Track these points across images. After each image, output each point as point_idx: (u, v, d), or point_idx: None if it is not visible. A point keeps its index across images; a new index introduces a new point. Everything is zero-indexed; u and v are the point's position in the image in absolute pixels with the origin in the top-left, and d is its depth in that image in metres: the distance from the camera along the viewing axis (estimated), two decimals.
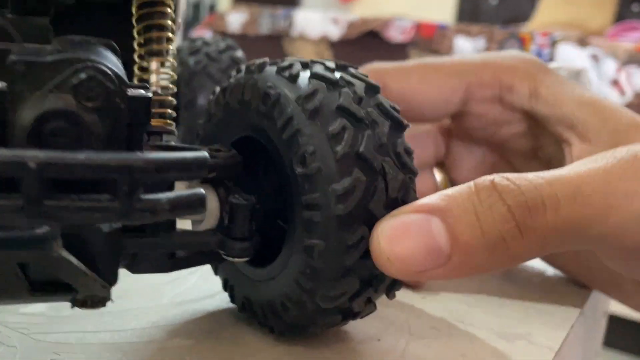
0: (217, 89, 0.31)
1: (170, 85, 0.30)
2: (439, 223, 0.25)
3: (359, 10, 3.37)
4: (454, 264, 0.25)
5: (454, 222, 0.25)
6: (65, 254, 0.20)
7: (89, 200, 0.19)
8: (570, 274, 0.41)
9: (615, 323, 1.15)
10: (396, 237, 0.25)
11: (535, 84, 0.37)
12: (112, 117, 0.21)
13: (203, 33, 2.35)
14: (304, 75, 0.27)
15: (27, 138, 0.20)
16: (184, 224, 0.27)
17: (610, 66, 1.67)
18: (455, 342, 0.31)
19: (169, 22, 0.30)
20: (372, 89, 0.28)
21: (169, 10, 0.30)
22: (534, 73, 0.37)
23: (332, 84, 0.27)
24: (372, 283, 0.27)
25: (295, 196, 0.26)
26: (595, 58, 1.69)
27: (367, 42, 2.16)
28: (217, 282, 0.35)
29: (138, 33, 0.30)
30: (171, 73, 0.31)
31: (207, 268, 0.33)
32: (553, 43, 1.78)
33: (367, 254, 0.26)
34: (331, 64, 0.28)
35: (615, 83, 1.66)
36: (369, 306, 0.28)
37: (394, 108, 0.28)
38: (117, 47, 0.25)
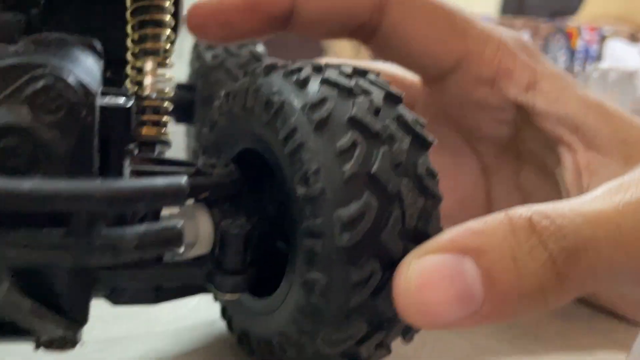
0: (222, 93, 0.27)
1: (167, 89, 0.27)
2: (472, 266, 0.21)
3: None
4: (485, 312, 0.21)
5: (489, 266, 0.21)
6: (15, 295, 0.17)
7: (38, 236, 0.16)
8: (599, 301, 0.37)
9: None
10: (425, 284, 0.21)
11: (536, 76, 0.33)
12: (76, 134, 0.18)
13: None
14: (314, 81, 0.23)
15: None
16: None
17: None
18: None
19: (168, 18, 0.27)
20: (393, 99, 0.24)
21: (167, 3, 0.27)
22: (533, 64, 0.33)
23: (346, 92, 0.23)
24: (383, 326, 0.23)
25: (296, 221, 0.22)
26: None
27: None
28: (218, 306, 0.32)
29: (132, 29, 0.27)
30: (168, 75, 0.27)
31: None
32: (602, 39, 1.69)
33: (377, 292, 0.22)
34: (348, 69, 0.24)
35: None
36: (381, 351, 0.24)
37: (417, 122, 0.23)
38: (99, 47, 0.22)
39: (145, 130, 0.26)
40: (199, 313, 0.31)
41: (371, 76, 0.25)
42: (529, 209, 0.22)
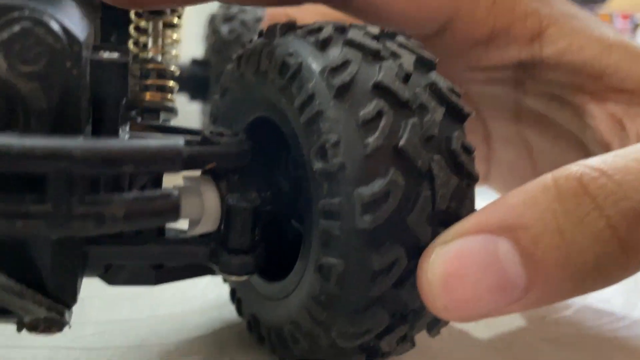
0: (233, 56, 0.25)
1: (174, 52, 0.25)
2: (509, 247, 0.18)
3: None
4: (532, 298, 0.18)
5: (530, 245, 0.18)
6: None
7: (7, 202, 0.14)
8: None
9: None
10: (454, 276, 0.18)
11: (542, 23, 0.28)
12: (59, 88, 0.16)
13: None
14: (336, 42, 0.20)
15: None
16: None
17: None
18: None
19: None
20: (425, 64, 0.21)
21: None
22: (538, 9, 0.28)
23: (372, 55, 0.20)
24: (407, 318, 0.20)
25: (311, 199, 0.20)
26: None
27: None
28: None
29: None
30: (175, 37, 0.25)
31: None
32: (635, 27, 1.64)
33: (401, 282, 0.19)
34: (375, 29, 0.21)
35: None
36: (404, 345, 0.22)
37: (452, 90, 0.21)
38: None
39: (149, 96, 0.24)
40: (207, 296, 0.29)
41: (401, 38, 0.22)
42: (577, 166, 0.19)
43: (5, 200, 0.14)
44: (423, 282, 0.19)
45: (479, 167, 0.24)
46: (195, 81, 0.49)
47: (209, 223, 0.21)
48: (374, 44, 0.20)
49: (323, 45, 0.20)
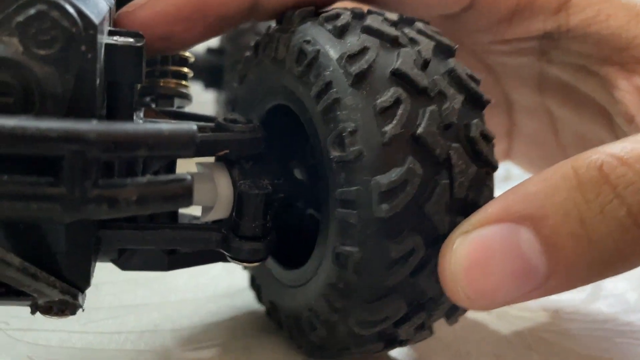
0: (251, 44, 0.24)
1: None
2: (530, 236, 0.18)
3: None
4: (551, 286, 0.18)
5: (551, 233, 0.18)
6: (1, 252, 0.15)
7: (22, 184, 0.14)
8: None
9: None
10: (476, 266, 0.18)
11: None
12: (75, 71, 0.16)
13: None
14: (354, 29, 0.20)
15: None
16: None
17: None
18: None
19: None
20: (444, 51, 0.21)
21: None
22: None
23: (390, 41, 0.20)
24: (425, 306, 0.20)
25: (329, 187, 0.20)
26: None
27: None
28: (242, 276, 0.30)
29: None
30: None
31: None
32: None
33: (419, 270, 0.19)
34: (393, 16, 0.21)
35: None
36: (422, 333, 0.21)
37: (471, 77, 0.20)
38: None
39: (164, 82, 0.23)
40: (220, 283, 0.29)
41: (419, 24, 0.22)
42: (597, 154, 0.19)
43: (20, 182, 0.14)
44: (445, 272, 0.19)
45: (501, 142, 0.24)
46: (210, 69, 0.48)
47: (222, 209, 0.21)
48: (392, 31, 0.20)
49: (341, 33, 0.20)
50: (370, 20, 0.20)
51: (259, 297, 0.26)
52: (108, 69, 0.17)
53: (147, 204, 0.15)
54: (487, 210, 0.19)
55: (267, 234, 0.20)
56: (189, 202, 0.15)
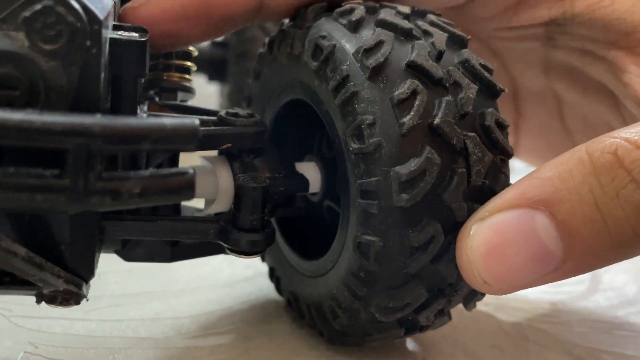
0: (266, 40, 0.25)
1: None
2: (546, 221, 0.18)
3: None
4: (568, 268, 0.18)
5: (567, 218, 0.18)
6: (7, 243, 0.15)
7: (27, 176, 0.14)
8: None
9: None
10: (493, 252, 0.18)
11: None
12: (79, 66, 0.16)
13: None
14: (368, 23, 0.20)
15: None
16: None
17: None
18: None
19: None
20: (458, 42, 0.21)
21: None
22: None
23: (404, 34, 0.20)
24: (444, 292, 0.21)
25: (348, 178, 0.20)
26: None
27: None
28: (243, 267, 0.30)
29: None
30: None
31: None
32: None
33: (438, 257, 0.19)
34: (405, 9, 0.21)
35: None
36: (442, 318, 0.22)
37: (485, 67, 0.21)
38: None
39: (167, 76, 0.24)
40: (221, 274, 0.29)
41: (432, 16, 0.22)
42: (611, 139, 0.19)
43: (26, 174, 0.14)
44: (463, 258, 0.19)
45: (509, 137, 0.24)
46: (214, 62, 0.48)
47: (223, 202, 0.21)
48: (405, 24, 0.21)
49: (355, 27, 0.20)
50: (383, 14, 0.21)
51: (279, 288, 0.26)
52: (112, 63, 0.17)
53: (150, 196, 0.15)
54: (503, 197, 0.19)
55: (265, 226, 0.21)
56: (190, 195, 0.16)
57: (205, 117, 0.21)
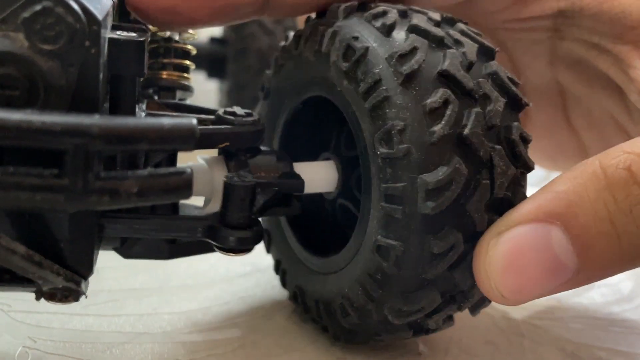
0: (290, 34, 0.24)
1: (191, 31, 0.25)
2: (561, 235, 0.18)
3: None
4: (580, 279, 0.19)
5: (581, 233, 0.18)
6: (6, 241, 0.15)
7: (27, 176, 0.14)
8: None
9: None
10: (510, 267, 0.19)
11: None
12: (78, 66, 0.16)
13: None
14: (401, 28, 0.20)
15: None
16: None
17: None
18: None
19: None
20: (487, 53, 0.21)
21: None
22: None
23: (435, 42, 0.20)
24: (456, 299, 0.21)
25: (373, 181, 0.20)
26: None
27: None
28: (241, 264, 0.30)
29: None
30: None
31: None
32: None
33: (456, 265, 0.20)
34: (436, 15, 0.21)
35: None
36: (448, 323, 0.22)
37: (512, 80, 0.21)
38: None
39: (166, 74, 0.24)
40: (219, 270, 0.29)
41: (461, 25, 0.22)
42: (625, 154, 0.19)
43: (25, 174, 0.14)
44: (481, 272, 0.19)
45: None
46: (213, 59, 0.48)
47: (217, 203, 0.21)
48: (438, 31, 0.20)
49: (389, 31, 0.20)
50: (416, 20, 0.21)
51: (284, 281, 0.26)
52: (111, 63, 0.17)
53: (148, 195, 0.15)
54: (520, 211, 0.19)
55: (253, 224, 0.20)
56: (188, 194, 0.16)
57: (203, 116, 0.21)
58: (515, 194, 0.20)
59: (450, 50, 0.20)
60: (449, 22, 0.21)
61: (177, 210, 0.22)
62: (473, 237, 0.19)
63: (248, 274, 0.29)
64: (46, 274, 0.17)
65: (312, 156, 0.25)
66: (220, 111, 0.21)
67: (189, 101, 0.25)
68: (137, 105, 0.20)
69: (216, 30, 0.52)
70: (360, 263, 0.21)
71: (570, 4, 0.27)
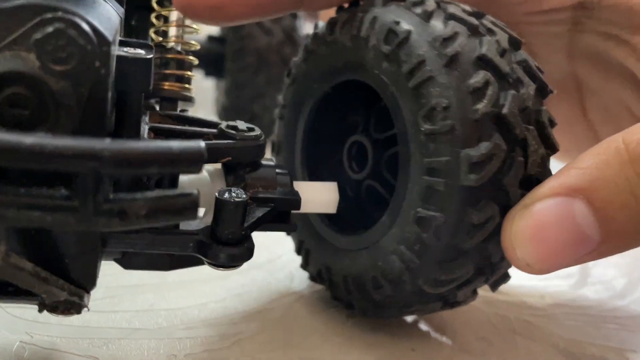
0: (320, 22, 0.25)
1: (193, 42, 0.24)
2: (584, 208, 0.19)
3: None
4: (603, 250, 0.20)
5: (603, 205, 0.19)
6: (15, 259, 0.15)
7: (39, 197, 0.14)
8: None
9: None
10: (535, 237, 0.19)
11: None
12: (88, 86, 0.16)
13: None
14: (439, 15, 0.21)
15: None
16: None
17: None
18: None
19: None
20: (515, 43, 0.22)
21: None
22: None
23: (472, 30, 0.21)
24: (484, 271, 0.22)
25: (413, 157, 0.21)
26: None
27: None
28: None
29: None
30: (195, 27, 0.24)
31: None
32: None
33: (490, 237, 0.21)
34: (467, 7, 0.23)
35: None
36: (472, 297, 0.23)
37: (539, 68, 0.22)
38: None
39: (168, 85, 0.23)
40: None
41: (490, 17, 0.23)
42: None
43: (36, 195, 0.14)
44: (507, 242, 0.20)
45: None
46: (211, 57, 0.48)
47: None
48: (473, 20, 0.22)
49: (429, 17, 0.21)
50: (452, 9, 0.22)
51: (306, 262, 0.27)
52: (118, 80, 0.17)
53: (156, 217, 0.15)
54: (546, 185, 0.20)
55: (244, 241, 0.20)
56: (194, 215, 0.16)
57: (206, 130, 0.21)
58: (543, 172, 0.21)
59: (485, 37, 0.21)
60: (478, 14, 0.23)
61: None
62: (506, 210, 0.20)
63: (244, 271, 0.29)
64: (51, 289, 0.17)
65: (339, 140, 0.26)
66: (223, 125, 0.21)
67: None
68: (141, 118, 0.19)
69: (214, 29, 0.52)
70: (397, 235, 0.22)
71: None
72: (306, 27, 0.49)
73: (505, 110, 0.20)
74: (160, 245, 0.20)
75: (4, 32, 0.15)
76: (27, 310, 0.24)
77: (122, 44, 0.18)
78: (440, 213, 0.20)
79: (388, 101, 0.22)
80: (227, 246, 0.19)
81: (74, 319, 0.23)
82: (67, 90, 0.15)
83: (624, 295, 0.32)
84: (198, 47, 0.24)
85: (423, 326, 0.26)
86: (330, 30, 0.24)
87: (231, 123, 0.21)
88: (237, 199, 0.19)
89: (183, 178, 0.21)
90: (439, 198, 0.20)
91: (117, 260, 0.21)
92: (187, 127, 0.21)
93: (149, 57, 0.18)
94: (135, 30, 0.25)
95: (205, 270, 0.29)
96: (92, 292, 0.25)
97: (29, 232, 0.16)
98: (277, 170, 0.22)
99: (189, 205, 0.15)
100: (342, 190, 0.25)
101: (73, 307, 0.17)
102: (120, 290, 0.26)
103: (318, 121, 0.26)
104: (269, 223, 0.21)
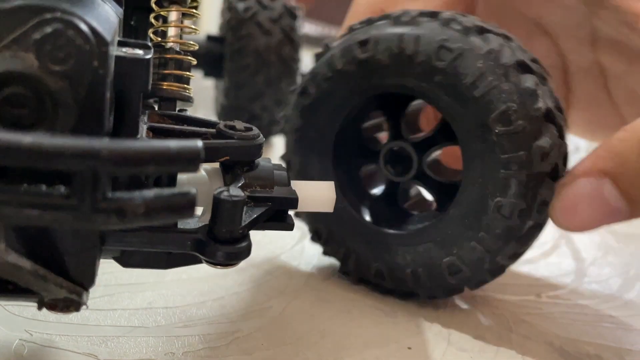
0: (346, 44, 0.26)
1: (192, 42, 0.24)
2: (611, 188, 0.22)
3: None
4: (636, 215, 0.23)
5: (628, 186, 0.22)
6: (13, 257, 0.15)
7: (38, 195, 0.14)
8: None
9: None
10: (570, 209, 0.23)
11: None
12: (86, 85, 0.15)
13: None
14: (473, 30, 0.24)
15: None
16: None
17: None
18: (505, 358, 0.25)
19: None
20: (518, 44, 0.25)
21: None
22: None
23: (505, 39, 0.24)
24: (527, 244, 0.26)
25: (484, 155, 0.23)
26: None
27: None
28: None
29: None
30: (194, 27, 0.24)
31: None
32: None
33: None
34: (477, 20, 0.25)
35: None
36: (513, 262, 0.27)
37: (546, 71, 0.26)
38: None
39: (167, 85, 0.23)
40: None
41: (494, 24, 0.26)
42: None
43: (35, 194, 0.14)
44: (553, 211, 0.24)
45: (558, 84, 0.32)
46: (210, 57, 0.47)
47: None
48: (499, 30, 0.24)
49: (466, 33, 0.24)
50: (478, 22, 0.24)
51: (355, 267, 0.28)
52: (117, 80, 0.17)
53: (154, 216, 0.15)
54: (579, 167, 0.24)
55: (241, 239, 0.20)
56: (191, 214, 0.15)
57: (204, 129, 0.21)
58: (565, 163, 0.25)
59: (512, 44, 0.24)
60: (487, 24, 0.25)
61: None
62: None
63: (242, 269, 0.29)
64: (50, 287, 0.16)
65: (366, 148, 0.29)
66: (221, 125, 0.21)
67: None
68: (140, 117, 0.19)
69: (213, 28, 0.51)
70: (474, 225, 0.24)
71: None
72: (305, 27, 0.49)
73: (551, 107, 0.23)
74: (159, 243, 0.19)
75: (3, 32, 0.15)
76: (26, 308, 0.23)
77: (121, 44, 0.18)
78: (520, 199, 0.23)
79: (442, 110, 0.24)
80: (225, 244, 0.19)
81: (73, 316, 0.24)
82: (65, 89, 0.15)
83: (620, 295, 0.32)
84: (197, 47, 0.24)
85: (418, 324, 0.26)
86: (363, 48, 0.25)
87: (229, 123, 0.21)
88: (234, 198, 0.19)
89: (181, 177, 0.20)
90: (517, 187, 0.23)
91: (116, 259, 0.20)
92: (185, 127, 0.21)
93: (147, 57, 0.17)
94: (135, 31, 0.25)
95: (203, 269, 0.29)
96: (91, 290, 0.25)
97: (28, 230, 0.16)
98: (275, 170, 0.21)
99: (187, 203, 0.15)
100: (384, 196, 0.29)
101: (72, 304, 0.17)
102: (119, 288, 0.26)
103: (346, 134, 0.28)
104: (267, 222, 0.21)
